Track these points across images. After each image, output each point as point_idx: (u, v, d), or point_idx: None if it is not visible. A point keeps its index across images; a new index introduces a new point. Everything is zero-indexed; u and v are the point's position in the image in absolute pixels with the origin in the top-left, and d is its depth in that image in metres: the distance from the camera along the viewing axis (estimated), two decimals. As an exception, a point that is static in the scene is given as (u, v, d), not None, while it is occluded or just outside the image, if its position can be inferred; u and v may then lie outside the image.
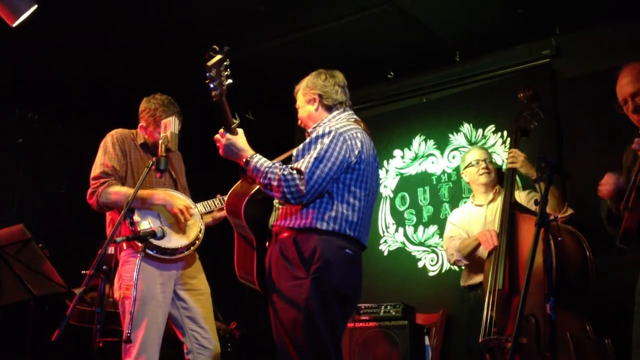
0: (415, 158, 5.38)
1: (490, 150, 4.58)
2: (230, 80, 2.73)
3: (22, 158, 5.52)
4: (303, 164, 2.73)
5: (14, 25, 3.96)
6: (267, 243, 2.94)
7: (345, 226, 2.78)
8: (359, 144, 2.85)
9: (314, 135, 2.85)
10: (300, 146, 2.85)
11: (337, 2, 4.57)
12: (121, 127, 3.64)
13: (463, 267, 4.25)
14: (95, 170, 3.47)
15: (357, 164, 2.83)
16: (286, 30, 4.93)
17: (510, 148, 4.00)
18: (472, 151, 4.32)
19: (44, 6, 4.04)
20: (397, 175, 5.45)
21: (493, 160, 4.35)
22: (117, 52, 5.05)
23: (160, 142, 3.16)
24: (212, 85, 2.71)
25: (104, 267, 2.66)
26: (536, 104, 4.05)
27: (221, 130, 2.84)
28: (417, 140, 5.40)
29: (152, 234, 3.01)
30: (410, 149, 5.43)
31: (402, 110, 5.57)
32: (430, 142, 5.32)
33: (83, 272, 2.67)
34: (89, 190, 3.44)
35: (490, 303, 3.52)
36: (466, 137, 5.14)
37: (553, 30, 4.78)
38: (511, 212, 3.69)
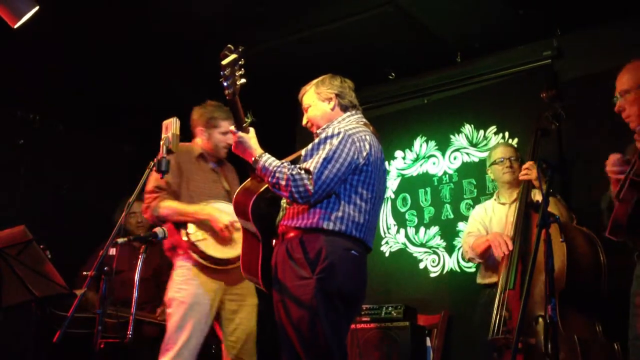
0: (417, 159, 5.38)
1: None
2: (244, 80, 2.75)
3: (23, 159, 5.52)
4: (312, 164, 2.74)
5: (15, 26, 3.97)
6: (273, 241, 2.95)
7: (352, 227, 2.79)
8: (367, 147, 2.86)
9: (323, 135, 2.86)
10: (309, 146, 2.87)
11: (338, 2, 4.56)
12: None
13: (480, 265, 4.19)
14: (150, 184, 3.58)
15: (365, 165, 2.85)
16: (286, 30, 4.93)
17: (530, 148, 3.92)
18: (498, 148, 4.26)
19: (45, 7, 4.04)
20: (398, 176, 5.44)
21: (519, 158, 4.25)
22: (117, 52, 5.04)
23: (161, 143, 3.15)
24: (225, 84, 2.74)
25: (105, 269, 2.67)
26: (558, 104, 3.97)
27: (232, 127, 2.87)
28: (419, 141, 5.39)
29: (154, 235, 3.01)
30: (411, 150, 5.42)
31: (403, 111, 5.57)
32: (432, 143, 5.32)
33: (85, 273, 2.67)
34: (144, 205, 3.61)
35: (501, 302, 3.51)
36: (467, 138, 5.13)
37: (554, 31, 4.78)
38: (527, 212, 3.65)
